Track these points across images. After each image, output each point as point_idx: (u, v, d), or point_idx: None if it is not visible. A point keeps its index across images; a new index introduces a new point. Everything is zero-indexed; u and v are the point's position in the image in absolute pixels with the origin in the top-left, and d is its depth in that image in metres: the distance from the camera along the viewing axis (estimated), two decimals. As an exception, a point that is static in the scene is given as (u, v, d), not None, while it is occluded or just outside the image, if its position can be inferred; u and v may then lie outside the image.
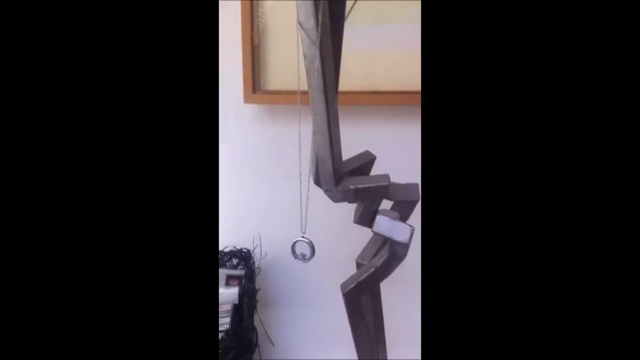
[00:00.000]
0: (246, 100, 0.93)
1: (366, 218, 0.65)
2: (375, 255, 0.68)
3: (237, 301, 0.84)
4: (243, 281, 0.86)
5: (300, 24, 0.54)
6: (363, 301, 0.68)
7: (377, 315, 0.71)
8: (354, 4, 0.87)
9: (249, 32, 0.90)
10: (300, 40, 0.55)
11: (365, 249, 0.72)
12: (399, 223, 0.62)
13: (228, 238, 0.99)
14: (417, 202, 0.68)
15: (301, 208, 0.61)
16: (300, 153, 0.66)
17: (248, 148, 0.99)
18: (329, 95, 0.58)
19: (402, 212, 0.67)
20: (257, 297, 0.92)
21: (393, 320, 0.76)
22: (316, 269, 1.02)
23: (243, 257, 0.94)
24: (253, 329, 0.88)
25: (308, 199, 0.61)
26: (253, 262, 0.94)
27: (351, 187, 0.64)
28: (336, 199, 0.66)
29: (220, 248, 0.97)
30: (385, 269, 0.65)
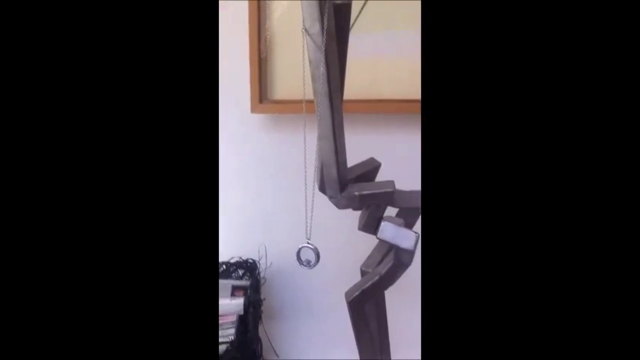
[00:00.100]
0: (253, 109, 0.94)
1: (370, 225, 0.65)
2: (380, 262, 0.68)
3: (242, 312, 0.83)
4: (249, 292, 0.85)
5: (305, 29, 0.55)
6: (367, 309, 0.67)
7: (381, 323, 0.70)
8: (361, 11, 0.87)
9: (257, 43, 0.91)
10: (305, 45, 0.56)
11: (370, 256, 0.71)
12: (404, 230, 0.61)
13: (235, 248, 0.99)
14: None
15: (306, 215, 0.61)
16: (305, 160, 0.67)
17: (254, 157, 0.99)
18: (334, 101, 0.58)
19: (407, 219, 0.67)
20: (262, 307, 0.92)
21: (396, 328, 0.75)
22: (321, 278, 1.02)
23: (249, 268, 0.93)
24: (258, 340, 0.88)
25: (313, 205, 0.61)
26: (259, 273, 0.93)
27: (356, 193, 0.64)
28: (340, 205, 0.66)
29: (226, 259, 0.97)
30: (390, 277, 0.65)
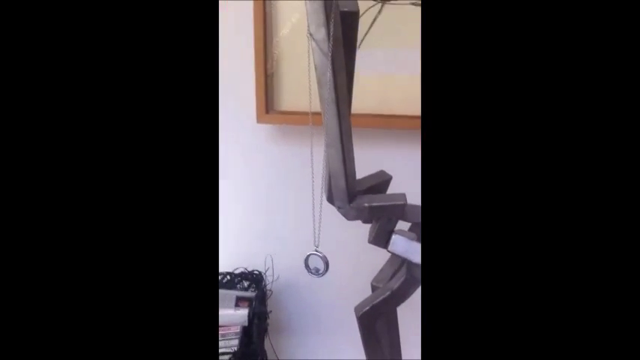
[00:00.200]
0: (259, 119, 0.92)
1: (381, 238, 0.62)
2: (391, 278, 0.65)
3: (246, 323, 0.80)
4: (254, 303, 0.83)
5: (310, 34, 0.53)
6: (378, 327, 0.64)
7: (393, 341, 0.67)
8: (372, 26, 0.85)
9: (262, 51, 0.89)
10: (310, 51, 0.54)
11: (381, 271, 0.69)
12: (416, 244, 0.59)
13: (241, 260, 0.97)
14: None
15: (314, 222, 0.59)
16: (312, 170, 0.64)
17: (262, 168, 0.97)
18: (341, 108, 0.56)
19: (419, 234, 0.64)
20: (268, 320, 0.89)
21: (408, 349, 0.72)
22: (330, 292, 0.99)
23: (255, 279, 0.91)
24: (263, 352, 0.85)
25: (321, 213, 0.59)
26: (265, 285, 0.91)
27: (366, 204, 0.62)
28: (349, 216, 0.63)
29: (231, 269, 0.94)
30: (402, 293, 0.62)
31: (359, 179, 0.67)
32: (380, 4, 0.84)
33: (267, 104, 0.91)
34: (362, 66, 0.86)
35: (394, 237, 0.59)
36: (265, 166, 0.96)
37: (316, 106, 0.59)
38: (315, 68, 0.55)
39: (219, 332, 0.81)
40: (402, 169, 0.74)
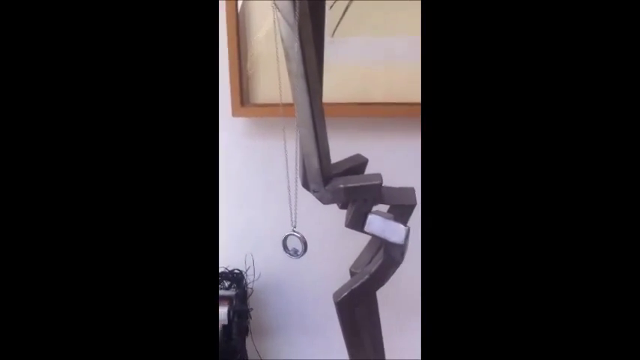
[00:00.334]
0: (235, 113, 0.89)
1: (357, 220, 0.60)
2: (370, 262, 0.63)
3: (226, 322, 0.77)
4: (234, 302, 0.80)
5: (275, 4, 0.51)
6: (357, 314, 0.62)
7: (374, 328, 0.64)
8: (348, 6, 0.84)
9: (236, 42, 0.87)
10: (276, 21, 0.52)
11: (359, 257, 0.66)
12: (393, 223, 0.57)
13: (219, 259, 0.94)
14: (413, 206, 0.62)
15: (290, 202, 0.56)
16: (286, 159, 0.62)
17: (238, 163, 0.95)
18: (310, 82, 0.54)
19: (398, 218, 0.62)
20: (250, 319, 0.86)
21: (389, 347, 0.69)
22: (314, 291, 0.96)
23: (235, 279, 0.88)
24: (244, 352, 0.82)
25: (297, 191, 0.57)
26: (246, 284, 0.88)
27: (341, 185, 0.59)
28: (324, 200, 0.61)
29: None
30: (381, 275, 0.59)
31: (334, 163, 0.65)
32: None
33: (243, 97, 0.89)
34: (339, 55, 0.85)
35: (370, 216, 0.57)
36: (242, 160, 0.94)
37: (288, 98, 0.57)
38: (282, 41, 0.53)
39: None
40: (384, 157, 0.72)
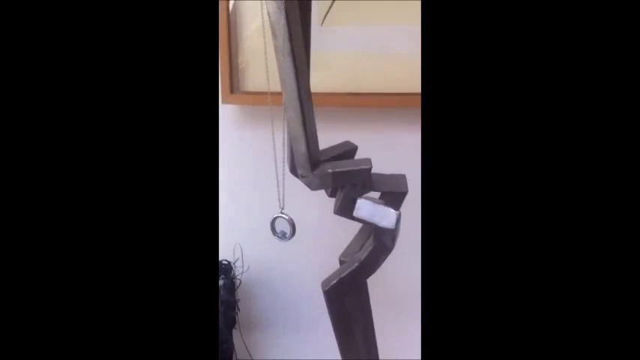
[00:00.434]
0: (224, 99, 0.87)
1: (346, 206, 0.57)
2: (360, 249, 0.61)
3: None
4: (221, 292, 0.78)
5: (260, -22, 0.49)
6: (347, 303, 0.60)
7: (366, 322, 0.62)
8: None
9: (226, 26, 0.85)
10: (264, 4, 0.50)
11: (349, 246, 0.64)
12: (383, 207, 0.55)
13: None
14: (405, 194, 0.60)
15: (278, 184, 0.54)
16: (273, 136, 0.60)
17: (228, 151, 0.92)
18: (297, 61, 0.52)
19: (389, 205, 0.60)
20: (238, 312, 0.84)
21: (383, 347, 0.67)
22: (303, 282, 0.94)
23: (223, 270, 0.86)
24: (230, 343, 0.80)
25: (285, 174, 0.55)
26: (234, 275, 0.86)
27: (329, 170, 0.57)
28: (312, 185, 0.59)
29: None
30: (371, 263, 0.57)
31: (323, 149, 0.63)
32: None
33: (233, 84, 0.87)
34: (328, 44, 0.83)
35: (359, 201, 0.55)
36: (232, 149, 0.92)
37: (276, 87, 0.56)
38: (269, 16, 0.51)
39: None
40: (375, 148, 0.70)
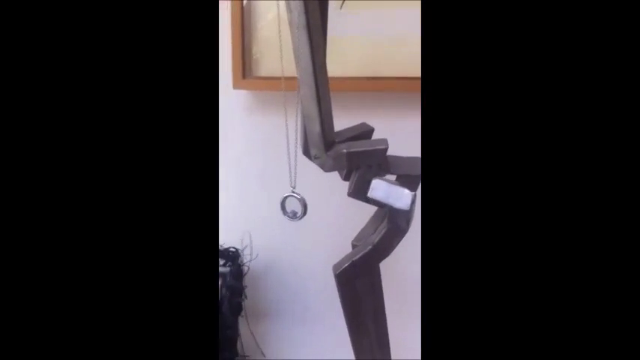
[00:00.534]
0: (235, 85, 0.86)
1: (360, 187, 0.56)
2: (374, 232, 0.59)
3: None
4: (227, 278, 0.77)
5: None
6: (359, 286, 0.58)
7: (377, 306, 0.60)
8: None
9: (239, 14, 0.84)
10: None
11: (362, 230, 0.63)
12: (399, 187, 0.53)
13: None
14: (420, 176, 0.59)
15: (290, 162, 0.53)
16: (286, 118, 0.59)
17: (239, 137, 0.91)
18: (313, 34, 0.51)
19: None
20: (245, 298, 0.83)
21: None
22: (313, 274, 0.93)
23: (230, 257, 0.84)
24: (236, 330, 0.78)
25: (297, 153, 0.53)
26: (242, 262, 0.84)
27: (344, 150, 0.56)
28: (326, 167, 0.57)
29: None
30: (385, 246, 0.56)
31: (338, 131, 0.61)
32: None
33: (245, 69, 0.86)
34: (347, 28, 0.82)
35: (374, 181, 0.53)
36: (243, 135, 0.91)
37: (290, 72, 0.55)
38: (284, -12, 0.49)
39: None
40: (394, 134, 0.68)
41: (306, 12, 0.49)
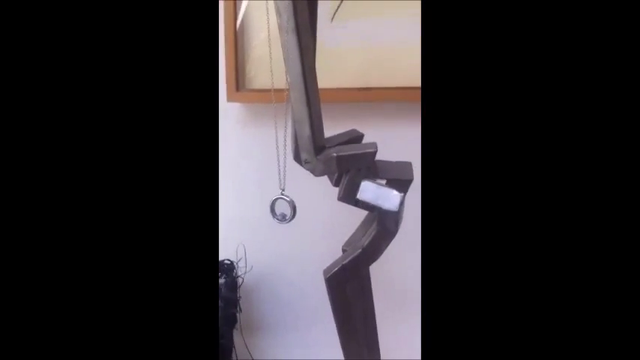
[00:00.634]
0: (230, 97, 0.87)
1: (350, 191, 0.56)
2: (363, 236, 0.59)
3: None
4: (222, 290, 0.76)
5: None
6: (349, 290, 0.58)
7: (367, 310, 0.60)
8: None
9: (232, 22, 0.85)
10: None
11: (353, 235, 0.63)
12: (387, 189, 0.54)
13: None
14: (410, 181, 0.59)
15: (279, 164, 0.53)
16: (275, 126, 0.60)
17: (232, 150, 0.92)
18: (302, 38, 0.51)
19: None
20: (239, 311, 0.82)
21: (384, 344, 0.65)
22: (307, 286, 0.92)
23: (225, 270, 0.84)
24: (231, 341, 0.78)
25: (286, 154, 0.54)
26: (236, 273, 0.84)
27: (334, 154, 0.56)
28: (317, 171, 0.58)
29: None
30: (374, 249, 0.56)
31: (328, 137, 0.62)
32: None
33: (238, 81, 0.87)
34: (339, 40, 0.83)
35: (363, 183, 0.54)
36: (236, 147, 0.91)
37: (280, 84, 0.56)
38: (273, -7, 0.50)
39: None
40: (386, 144, 0.69)
41: (295, 15, 0.50)
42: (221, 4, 0.85)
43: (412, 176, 0.59)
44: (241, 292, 0.87)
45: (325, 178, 0.60)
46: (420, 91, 0.78)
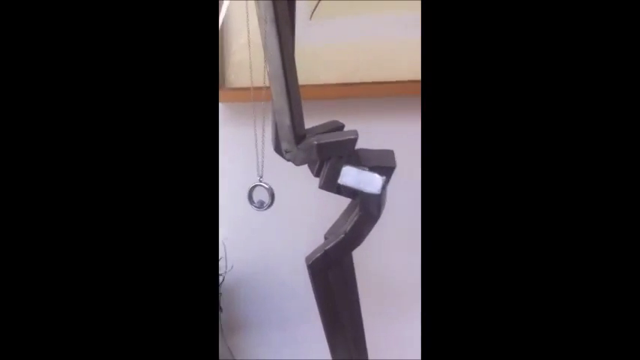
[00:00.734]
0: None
1: (331, 178, 0.57)
2: (346, 223, 0.60)
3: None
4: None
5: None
6: (331, 277, 0.58)
7: (351, 298, 0.61)
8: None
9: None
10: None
11: (334, 224, 0.63)
12: (369, 173, 0.55)
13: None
14: (392, 168, 0.60)
15: (257, 151, 0.54)
16: (254, 116, 0.60)
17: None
18: (281, 27, 0.52)
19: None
20: (220, 311, 0.82)
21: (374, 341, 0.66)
22: (292, 286, 0.93)
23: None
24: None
25: (264, 142, 0.54)
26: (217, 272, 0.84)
27: (315, 142, 0.57)
28: (298, 160, 0.59)
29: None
30: (356, 234, 0.57)
31: (309, 128, 0.63)
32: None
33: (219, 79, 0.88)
34: (318, 38, 0.85)
35: (345, 168, 0.55)
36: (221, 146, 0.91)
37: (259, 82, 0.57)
38: (252, -17, 0.51)
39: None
40: (372, 139, 0.70)
41: (274, 5, 0.52)
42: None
43: (394, 164, 0.60)
44: (222, 290, 0.87)
45: (308, 173, 0.60)
46: (402, 86, 0.82)
